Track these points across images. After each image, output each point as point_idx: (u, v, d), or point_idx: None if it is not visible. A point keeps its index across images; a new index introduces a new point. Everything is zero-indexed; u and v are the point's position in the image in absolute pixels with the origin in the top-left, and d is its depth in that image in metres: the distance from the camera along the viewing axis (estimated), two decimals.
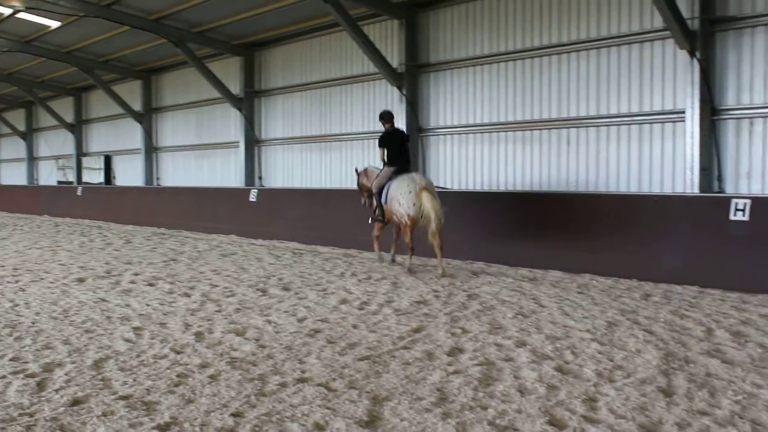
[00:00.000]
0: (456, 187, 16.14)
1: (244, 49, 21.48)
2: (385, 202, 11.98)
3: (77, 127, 31.94)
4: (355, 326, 7.68)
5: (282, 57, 20.79)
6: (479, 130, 15.82)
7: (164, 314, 8.45)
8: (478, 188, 15.70)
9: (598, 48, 13.78)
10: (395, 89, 16.97)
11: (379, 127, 17.45)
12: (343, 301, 9.16)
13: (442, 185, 16.41)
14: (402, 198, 11.38)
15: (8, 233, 20.60)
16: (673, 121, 12.78)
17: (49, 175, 34.98)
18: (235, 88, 21.89)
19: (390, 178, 12.09)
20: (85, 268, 12.72)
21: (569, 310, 8.46)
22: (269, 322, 7.95)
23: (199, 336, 7.30)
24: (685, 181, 12.40)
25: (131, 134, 28.10)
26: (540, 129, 14.73)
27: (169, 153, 26.16)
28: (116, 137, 29.52)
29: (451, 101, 16.40)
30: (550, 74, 14.58)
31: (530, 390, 5.44)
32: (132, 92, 27.34)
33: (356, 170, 13.84)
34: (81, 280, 11.23)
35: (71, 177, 32.55)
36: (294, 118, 20.42)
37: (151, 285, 10.70)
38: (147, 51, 23.47)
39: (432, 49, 16.67)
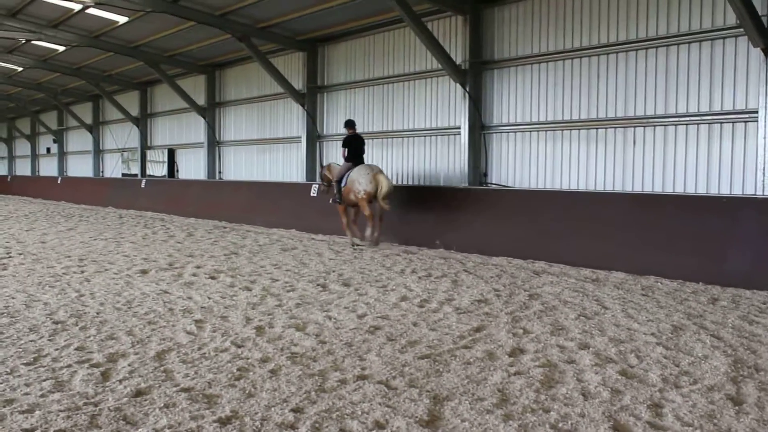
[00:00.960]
0: (517, 186, 15.99)
1: (307, 44, 21.59)
2: (344, 185, 15.24)
3: (142, 121, 32.52)
4: (415, 324, 7.65)
5: (345, 53, 20.84)
6: (542, 128, 15.65)
7: (225, 307, 8.54)
8: (540, 187, 15.53)
9: (667, 45, 13.50)
10: (458, 86, 16.89)
11: (441, 123, 17.71)
12: (404, 299, 9.15)
13: (502, 183, 16.30)
14: (362, 179, 14.72)
15: (74, 224, 21.06)
16: (745, 121, 12.46)
17: (114, 168, 35.68)
18: (298, 83, 22.03)
19: (348, 170, 15.32)
20: (148, 260, 12.93)
21: (633, 312, 8.30)
22: (329, 317, 7.97)
23: (259, 330, 7.35)
24: (756, 182, 12.09)
25: (195, 128, 28.49)
26: (605, 128, 14.51)
27: (232, 147, 26.44)
28: (180, 131, 29.97)
29: (514, 98, 16.26)
30: (616, 72, 14.34)
31: (594, 394, 5.34)
32: (196, 87, 27.72)
33: (321, 165, 18.43)
34: (144, 272, 11.42)
35: (135, 170, 33.14)
36: (356, 113, 20.44)
37: (212, 278, 10.83)
38: (212, 46, 23.76)
39: (496, 46, 16.54)
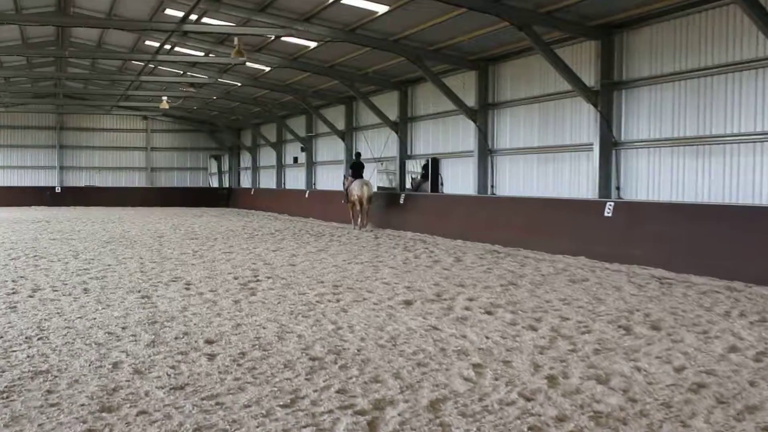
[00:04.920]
0: None
1: (600, 31, 21.19)
2: (348, 190, 29.40)
3: (401, 126, 33.42)
4: (752, 383, 7.22)
5: (649, 39, 20.23)
6: None
7: (507, 350, 8.50)
8: None
9: None
10: None
11: None
12: (733, 349, 8.67)
13: None
14: (356, 188, 28.61)
15: (325, 244, 22.09)
16: None
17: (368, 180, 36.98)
18: (589, 78, 21.66)
19: (352, 182, 29.36)
20: (412, 288, 13.23)
21: None
22: (638, 369, 7.71)
23: (551, 380, 7.24)
24: None
25: (463, 134, 28.86)
26: None
27: (507, 156, 26.49)
28: (445, 137, 30.48)
29: None
30: None
31: None
32: (465, 85, 28.06)
33: (344, 176, 32.34)
34: (408, 303, 11.68)
35: (394, 182, 34.16)
36: (663, 114, 19.75)
37: (488, 313, 10.86)
38: (484, 37, 23.94)
39: None
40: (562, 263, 17.32)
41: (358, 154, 32.72)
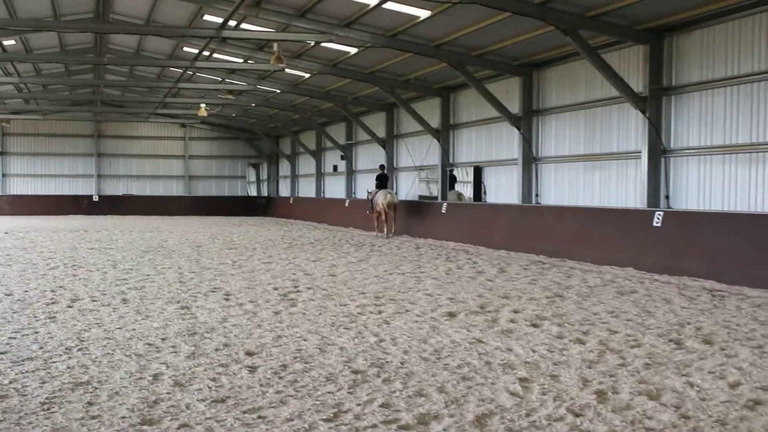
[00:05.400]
0: None
1: (649, 35, 21.03)
2: (374, 202, 30.69)
3: (443, 133, 33.41)
4: None
5: (700, 43, 20.05)
6: None
7: (554, 364, 8.42)
8: None
9: None
10: None
11: None
12: None
13: None
14: (381, 198, 30.00)
15: (366, 254, 22.05)
16: None
17: (409, 189, 37.00)
18: (637, 84, 21.51)
19: (377, 193, 30.62)
20: (455, 300, 13.17)
21: None
22: (690, 384, 7.60)
23: (601, 396, 7.16)
24: None
25: (506, 141, 28.79)
26: None
27: (552, 164, 26.38)
28: (488, 145, 30.41)
29: None
30: None
31: None
32: (509, 91, 27.98)
33: (368, 191, 33.95)
34: (451, 315, 11.62)
35: (435, 191, 34.09)
36: (715, 120, 19.56)
37: (534, 326, 10.78)
38: (529, 42, 23.89)
39: None
40: (610, 274, 17.17)
41: (382, 167, 33.73)
